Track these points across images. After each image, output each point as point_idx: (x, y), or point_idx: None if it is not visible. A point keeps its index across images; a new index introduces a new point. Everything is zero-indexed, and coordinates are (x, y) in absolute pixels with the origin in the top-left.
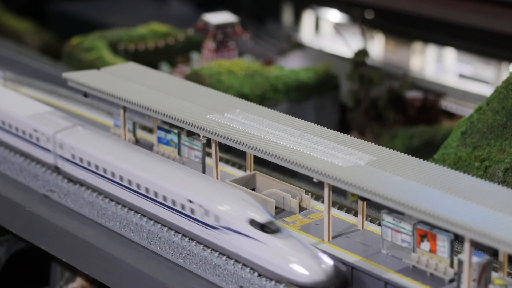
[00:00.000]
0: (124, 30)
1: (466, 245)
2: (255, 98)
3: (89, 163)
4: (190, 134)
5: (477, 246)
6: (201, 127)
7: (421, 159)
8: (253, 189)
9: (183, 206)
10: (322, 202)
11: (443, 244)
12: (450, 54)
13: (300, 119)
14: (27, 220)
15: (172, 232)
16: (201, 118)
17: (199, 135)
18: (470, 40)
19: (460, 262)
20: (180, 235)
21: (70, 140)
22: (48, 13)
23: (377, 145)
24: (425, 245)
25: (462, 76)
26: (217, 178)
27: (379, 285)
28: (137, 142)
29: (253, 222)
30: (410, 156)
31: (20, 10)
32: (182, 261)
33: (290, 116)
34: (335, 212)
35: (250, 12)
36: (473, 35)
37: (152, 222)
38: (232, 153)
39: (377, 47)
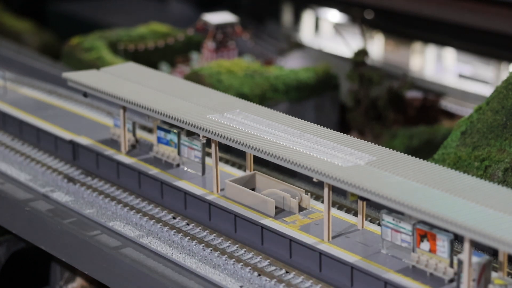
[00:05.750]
0: (124, 30)
1: (466, 245)
2: (255, 98)
3: None
4: (189, 134)
5: (477, 246)
6: (200, 127)
7: (421, 159)
8: (253, 189)
9: None
10: (322, 202)
11: (443, 244)
12: (450, 54)
13: (300, 119)
14: (27, 220)
15: (172, 232)
16: (201, 118)
17: (198, 135)
18: (470, 40)
19: (460, 262)
20: (180, 235)
21: None
22: (48, 13)
23: (377, 145)
24: (425, 245)
25: (462, 76)
26: (216, 178)
27: (379, 285)
28: (137, 142)
29: None
30: (410, 156)
31: (20, 10)
32: (182, 261)
33: (290, 116)
34: (335, 212)
35: (250, 12)
36: (473, 35)
37: (152, 222)
38: (232, 153)
39: (377, 47)
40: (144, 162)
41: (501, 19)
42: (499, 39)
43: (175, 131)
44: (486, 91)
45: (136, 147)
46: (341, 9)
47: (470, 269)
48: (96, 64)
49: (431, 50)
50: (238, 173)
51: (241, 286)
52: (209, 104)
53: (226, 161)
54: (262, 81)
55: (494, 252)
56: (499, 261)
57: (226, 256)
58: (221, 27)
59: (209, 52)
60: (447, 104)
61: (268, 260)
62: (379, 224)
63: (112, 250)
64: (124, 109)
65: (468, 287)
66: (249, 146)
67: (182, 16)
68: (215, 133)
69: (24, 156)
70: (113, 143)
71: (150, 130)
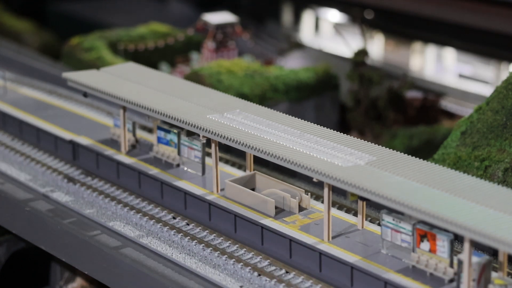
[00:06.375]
0: (124, 30)
1: (466, 245)
2: (255, 98)
3: None
4: (189, 134)
5: (477, 246)
6: (200, 127)
7: (421, 159)
8: (253, 189)
9: None
10: (322, 202)
11: (442, 244)
12: (450, 54)
13: (300, 119)
14: (27, 220)
15: (172, 232)
16: (201, 118)
17: (198, 135)
18: (470, 40)
19: (460, 262)
20: (180, 235)
21: None
22: (48, 13)
23: (377, 145)
24: (425, 245)
25: (462, 76)
26: (216, 178)
27: (379, 285)
28: (137, 142)
29: None
30: (410, 156)
31: (20, 10)
32: (182, 261)
33: (290, 116)
34: (334, 212)
35: (250, 12)
36: (473, 35)
37: (152, 222)
38: (232, 153)
39: (377, 47)
40: (144, 162)
41: (501, 19)
42: (499, 39)
43: (175, 131)
44: (486, 91)
45: (136, 147)
46: (341, 9)
47: (470, 269)
48: (96, 64)
49: (431, 50)
50: (238, 173)
51: (241, 286)
52: (209, 104)
53: (226, 161)
54: (262, 81)
55: (494, 252)
56: (499, 261)
57: (226, 256)
58: (221, 27)
59: (209, 52)
60: (447, 104)
61: (268, 260)
62: (379, 224)
63: (112, 250)
64: (124, 109)
65: (468, 287)
66: (249, 146)
67: (182, 16)
68: (215, 133)
69: (24, 156)
70: (113, 143)
71: (150, 130)
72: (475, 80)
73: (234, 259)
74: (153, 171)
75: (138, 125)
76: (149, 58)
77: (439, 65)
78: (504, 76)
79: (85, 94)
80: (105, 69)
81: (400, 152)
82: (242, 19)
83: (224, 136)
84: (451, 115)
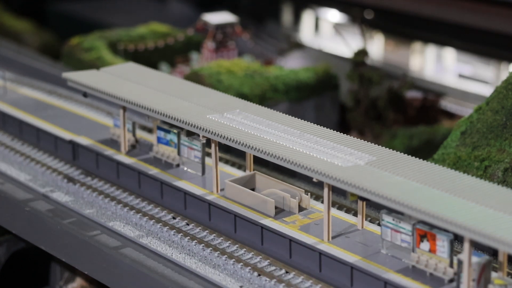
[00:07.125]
0: (124, 30)
1: (466, 245)
2: (255, 98)
3: None
4: (189, 134)
5: (477, 246)
6: (200, 127)
7: (421, 159)
8: (253, 189)
9: None
10: (322, 202)
11: (442, 244)
12: (449, 54)
13: (299, 119)
14: (27, 220)
15: (172, 232)
16: (200, 118)
17: (198, 135)
18: (470, 40)
19: (460, 262)
20: (180, 235)
21: None
22: (48, 13)
23: (376, 145)
24: (425, 245)
25: (461, 76)
26: (216, 178)
27: (379, 285)
28: (137, 142)
29: None
30: (410, 156)
31: (20, 10)
32: (182, 261)
33: (290, 116)
34: (334, 212)
35: (250, 12)
36: (473, 35)
37: (152, 222)
38: (232, 153)
39: (377, 47)
40: (144, 162)
41: (501, 19)
42: (499, 39)
43: (175, 131)
44: (486, 91)
45: (136, 147)
46: (341, 9)
47: (470, 269)
48: (96, 64)
49: (431, 50)
50: (238, 173)
51: (241, 286)
52: (209, 104)
53: (226, 161)
54: (262, 81)
55: (494, 252)
56: (499, 261)
57: (226, 256)
58: (221, 27)
59: (209, 52)
60: (447, 104)
61: (268, 260)
62: (379, 224)
63: (112, 250)
64: (124, 109)
65: (468, 287)
66: (249, 146)
67: (182, 16)
68: (215, 133)
69: (24, 156)
70: (113, 143)
71: (150, 130)
72: (475, 80)
73: (234, 259)
74: (153, 171)
75: (138, 125)
76: (149, 58)
77: (439, 65)
78: (504, 76)
79: (85, 94)
80: (105, 69)
81: (400, 152)
82: (242, 19)
83: (224, 136)
84: (451, 115)
